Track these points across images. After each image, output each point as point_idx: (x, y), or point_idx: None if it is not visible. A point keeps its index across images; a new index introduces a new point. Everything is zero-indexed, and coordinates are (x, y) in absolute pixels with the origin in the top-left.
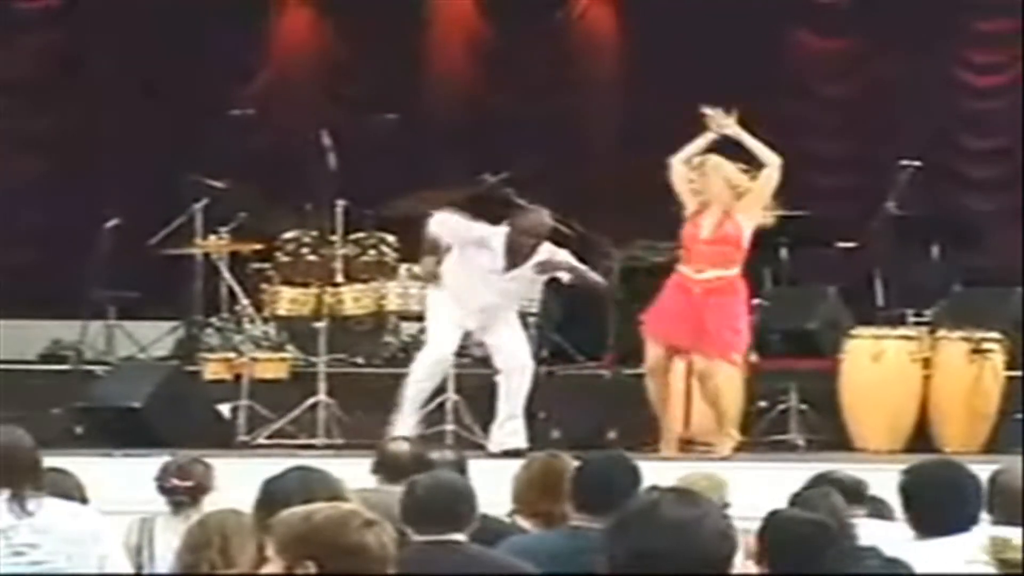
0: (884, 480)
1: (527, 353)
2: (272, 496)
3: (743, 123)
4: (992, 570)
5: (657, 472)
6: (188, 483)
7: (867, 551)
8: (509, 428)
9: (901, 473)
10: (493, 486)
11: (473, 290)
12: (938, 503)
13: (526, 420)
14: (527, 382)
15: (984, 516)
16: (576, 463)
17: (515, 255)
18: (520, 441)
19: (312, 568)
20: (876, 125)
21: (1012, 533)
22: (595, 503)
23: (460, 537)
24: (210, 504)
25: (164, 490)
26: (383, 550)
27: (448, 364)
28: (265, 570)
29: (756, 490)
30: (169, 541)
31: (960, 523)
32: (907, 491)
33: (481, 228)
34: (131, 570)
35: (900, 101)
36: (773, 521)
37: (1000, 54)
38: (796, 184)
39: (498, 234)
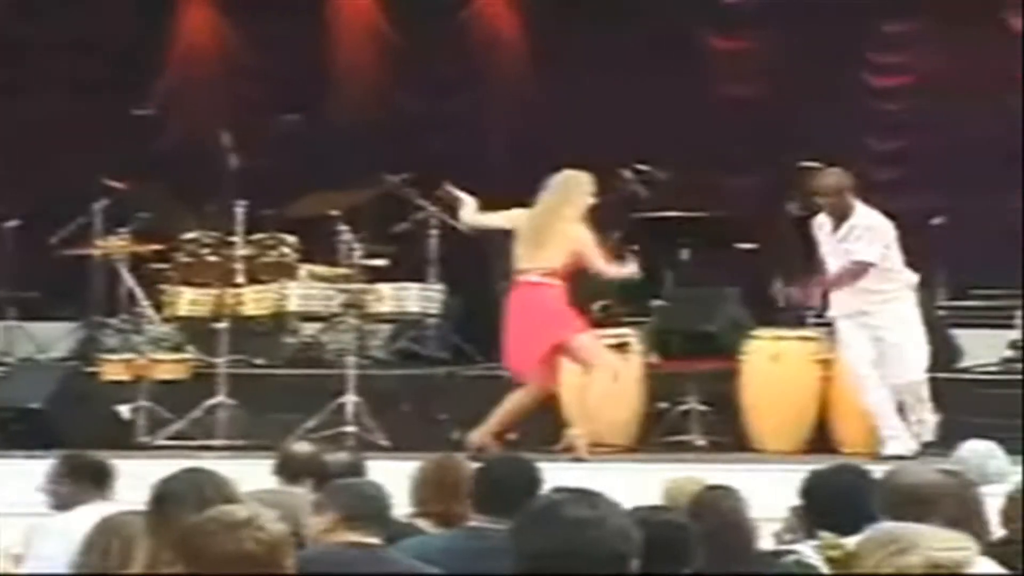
0: (784, 481)
1: None
2: (164, 498)
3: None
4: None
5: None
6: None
7: (784, 554)
8: None
9: (804, 477)
10: (392, 488)
11: None
12: (836, 505)
13: (425, 422)
14: None
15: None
16: (475, 464)
17: None
18: None
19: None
20: (779, 126)
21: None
22: (496, 504)
23: (375, 541)
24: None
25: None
26: (266, 552)
27: None
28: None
29: (656, 491)
30: (60, 543)
31: (857, 524)
32: (807, 494)
33: None
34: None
35: (803, 102)
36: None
37: (901, 55)
38: (698, 185)
39: None
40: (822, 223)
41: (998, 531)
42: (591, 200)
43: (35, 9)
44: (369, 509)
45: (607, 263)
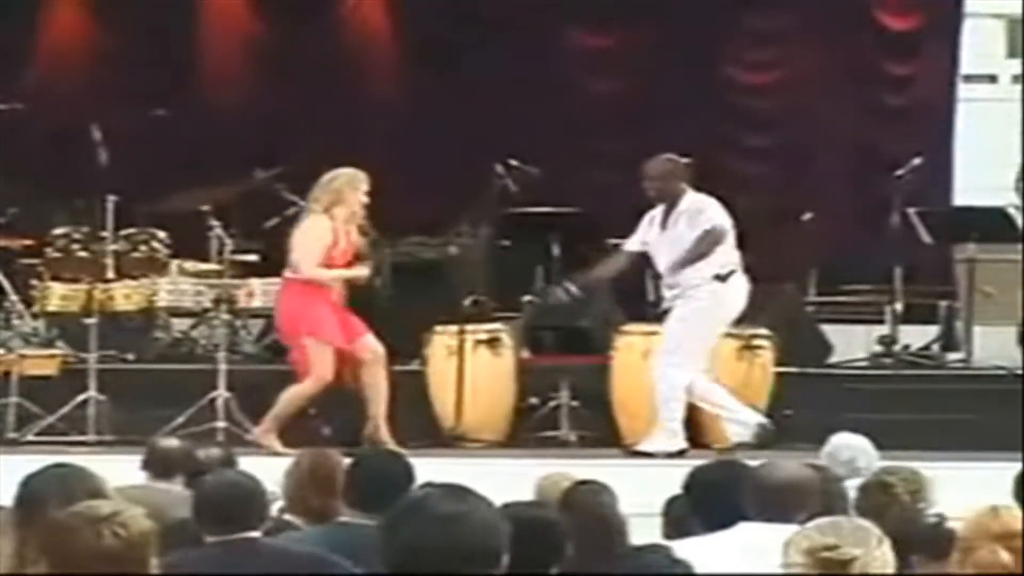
0: (653, 477)
1: None
2: (30, 494)
3: None
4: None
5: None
6: None
7: (653, 548)
8: None
9: (687, 473)
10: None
11: None
12: (714, 500)
13: (298, 418)
14: None
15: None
16: (347, 460)
17: None
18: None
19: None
20: (648, 122)
21: (769, 530)
22: (369, 500)
23: (255, 535)
24: None
25: None
26: (128, 548)
27: None
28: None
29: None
30: None
31: (731, 519)
32: (689, 489)
33: None
34: None
35: (673, 98)
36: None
37: (772, 51)
38: (568, 180)
39: None
40: (653, 216)
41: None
42: (363, 197)
43: None
44: (246, 503)
45: (314, 266)
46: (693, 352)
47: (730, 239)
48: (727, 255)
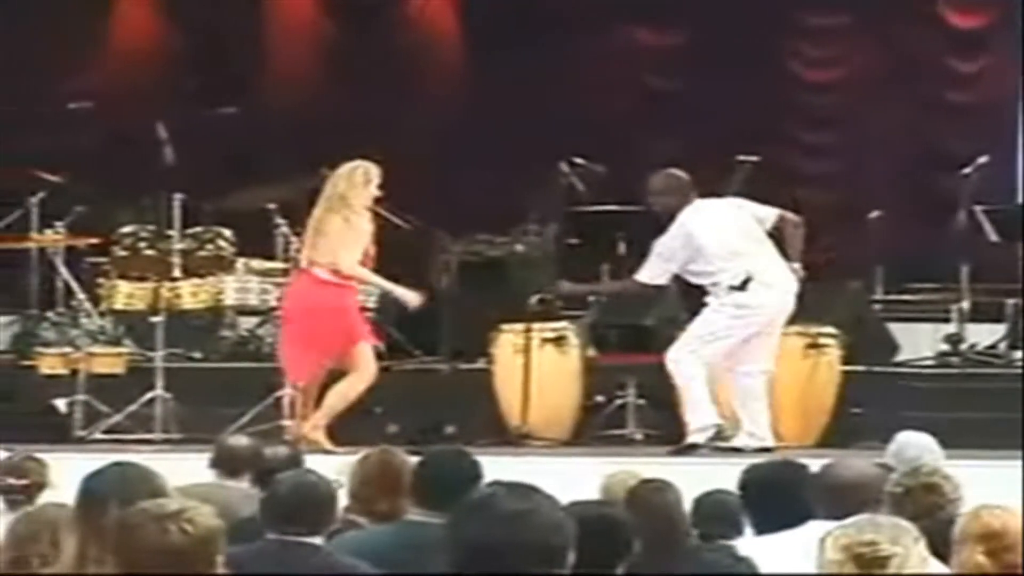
0: (721, 474)
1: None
2: (91, 493)
3: None
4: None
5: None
6: (23, 481)
7: (718, 548)
8: None
9: (741, 472)
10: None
11: None
12: (772, 500)
13: (362, 416)
14: None
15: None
16: (413, 458)
17: None
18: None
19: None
20: (709, 120)
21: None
22: (435, 498)
23: (317, 541)
24: (45, 500)
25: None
26: (194, 545)
27: None
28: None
29: (593, 485)
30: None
31: (793, 519)
32: (745, 489)
33: None
34: None
35: (735, 95)
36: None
37: (834, 48)
38: (633, 178)
39: None
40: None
41: None
42: (374, 190)
43: None
44: (315, 507)
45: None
46: (711, 345)
47: (732, 247)
48: (735, 265)
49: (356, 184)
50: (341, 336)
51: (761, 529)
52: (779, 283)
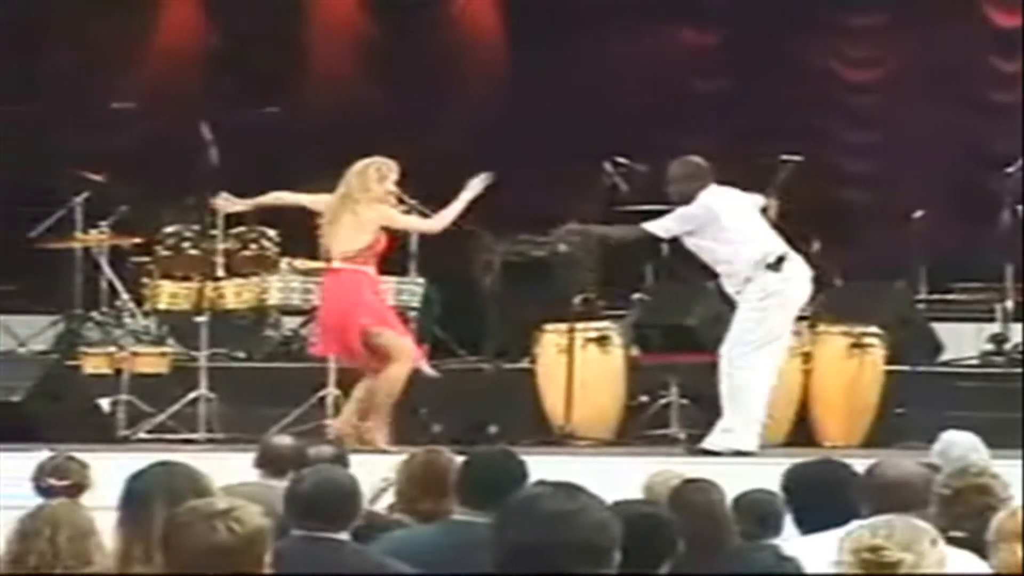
0: (764, 474)
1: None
2: (135, 493)
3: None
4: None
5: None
6: (66, 482)
7: (762, 548)
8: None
9: (784, 472)
10: (376, 481)
11: None
12: (817, 499)
13: (407, 416)
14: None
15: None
16: (458, 458)
17: None
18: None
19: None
20: (751, 119)
21: None
22: (481, 498)
23: (342, 536)
24: (88, 501)
25: (41, 490)
26: (242, 544)
27: None
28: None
29: (637, 484)
30: None
31: (838, 518)
32: (788, 488)
33: None
34: None
35: (777, 95)
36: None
37: (875, 47)
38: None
39: None
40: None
41: None
42: (390, 186)
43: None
44: (335, 501)
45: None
46: (759, 343)
47: (753, 225)
48: (762, 243)
49: (368, 180)
50: (364, 311)
51: (805, 529)
52: (802, 266)
